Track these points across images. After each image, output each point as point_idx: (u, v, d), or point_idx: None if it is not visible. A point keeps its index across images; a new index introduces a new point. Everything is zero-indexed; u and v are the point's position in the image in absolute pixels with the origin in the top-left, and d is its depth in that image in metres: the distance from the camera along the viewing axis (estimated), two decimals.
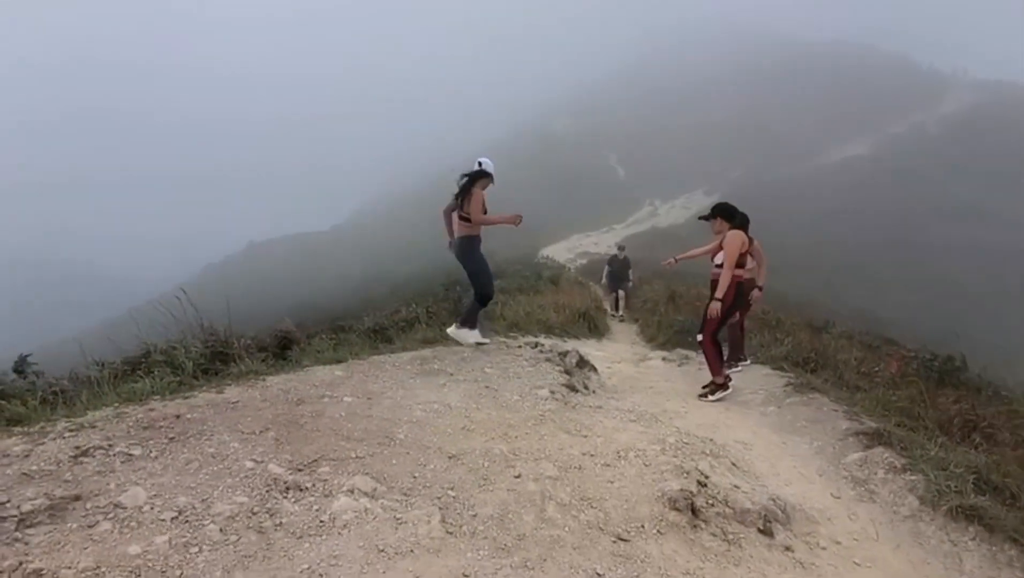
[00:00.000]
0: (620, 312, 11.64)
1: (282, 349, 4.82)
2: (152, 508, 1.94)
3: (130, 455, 2.27)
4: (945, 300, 29.38)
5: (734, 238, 4.63)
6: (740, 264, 4.72)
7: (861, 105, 64.06)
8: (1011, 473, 3.11)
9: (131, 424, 2.55)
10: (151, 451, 2.34)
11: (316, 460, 2.44)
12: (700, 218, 5.08)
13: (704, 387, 4.78)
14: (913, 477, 3.04)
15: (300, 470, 2.35)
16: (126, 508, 1.92)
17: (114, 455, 2.24)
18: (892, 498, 2.99)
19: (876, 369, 5.25)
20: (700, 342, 4.74)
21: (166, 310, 4.92)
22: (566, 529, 2.28)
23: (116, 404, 2.88)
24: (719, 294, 4.56)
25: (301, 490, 2.20)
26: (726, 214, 4.85)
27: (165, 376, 3.58)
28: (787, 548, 2.50)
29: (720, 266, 4.68)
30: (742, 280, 4.87)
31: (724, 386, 4.64)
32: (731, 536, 2.44)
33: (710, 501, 2.59)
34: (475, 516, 2.24)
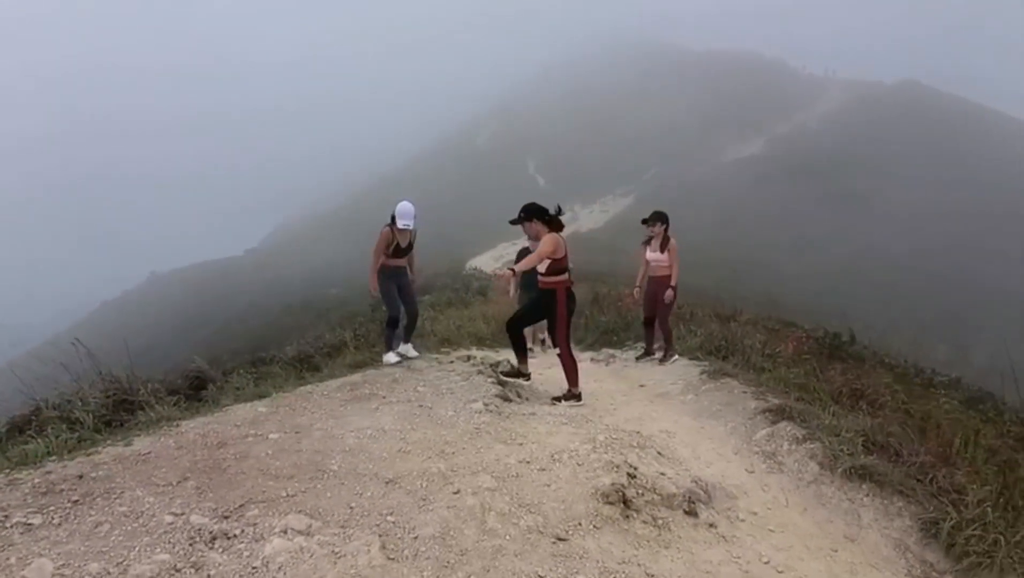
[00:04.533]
0: (541, 344, 7.63)
1: (196, 390, 4.55)
2: None
3: (29, 525, 2.08)
4: (836, 281, 32.61)
5: (549, 240, 4.27)
6: (559, 269, 4.32)
7: (751, 107, 69.86)
8: (893, 433, 3.52)
9: (27, 491, 2.33)
10: (53, 518, 2.15)
11: (243, 505, 2.35)
12: (511, 222, 4.55)
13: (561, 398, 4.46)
14: (812, 445, 3.38)
15: (226, 517, 2.25)
16: None
17: (11, 527, 2.04)
18: (797, 467, 3.31)
19: (777, 350, 5.79)
20: (559, 354, 4.45)
21: (56, 357, 4.51)
22: (507, 537, 2.34)
23: (7, 470, 2.61)
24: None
25: (229, 538, 2.11)
26: (541, 215, 4.40)
27: (61, 433, 3.27)
28: (711, 525, 2.70)
29: (545, 274, 4.37)
30: (570, 286, 4.48)
31: (579, 397, 4.44)
32: (660, 521, 2.61)
33: (640, 491, 2.75)
34: (416, 538, 2.25)
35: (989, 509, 2.70)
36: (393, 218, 5.17)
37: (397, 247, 5.15)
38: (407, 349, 5.44)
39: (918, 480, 3.04)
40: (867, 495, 3.02)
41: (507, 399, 4.14)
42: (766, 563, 2.48)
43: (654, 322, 6.15)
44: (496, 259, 32.47)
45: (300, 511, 2.32)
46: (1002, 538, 2.53)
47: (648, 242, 6.01)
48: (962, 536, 2.61)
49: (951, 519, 2.69)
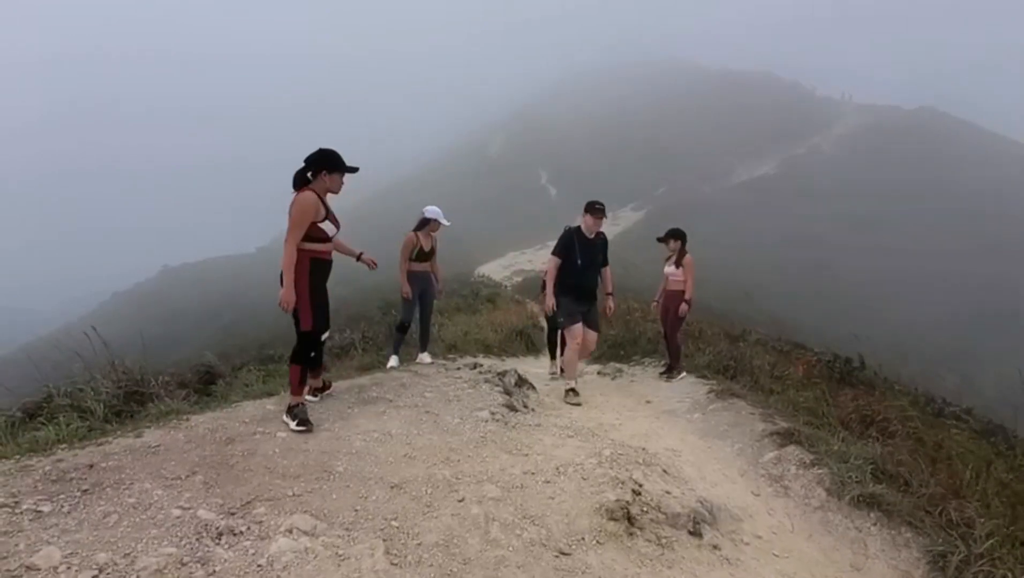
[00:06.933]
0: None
1: (205, 385, 4.58)
2: (69, 568, 1.81)
3: (39, 512, 2.10)
4: (846, 304, 32.32)
5: (300, 200, 3.32)
6: (316, 236, 3.36)
7: (766, 128, 69.85)
8: (903, 462, 3.47)
9: (38, 478, 2.36)
10: (63, 506, 2.17)
11: (250, 501, 2.36)
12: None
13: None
14: (820, 471, 3.35)
15: (233, 514, 2.26)
16: (40, 569, 1.78)
17: (21, 513, 2.07)
18: (803, 492, 3.28)
19: (787, 372, 5.75)
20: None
21: (68, 346, 4.55)
22: (510, 548, 2.33)
23: (17, 456, 2.64)
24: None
25: (235, 535, 2.12)
26: (311, 170, 3.44)
27: (72, 422, 3.31)
28: (714, 546, 2.68)
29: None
30: (321, 257, 3.46)
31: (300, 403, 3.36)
32: (664, 540, 2.59)
33: (644, 508, 2.73)
34: (420, 545, 2.25)
35: (998, 544, 2.65)
36: (420, 223, 5.34)
37: (420, 251, 5.30)
38: (423, 357, 5.53)
39: (927, 511, 3.00)
40: (875, 524, 2.98)
41: (514, 409, 4.14)
42: None
43: None
44: (505, 267, 32.49)
45: (306, 511, 2.33)
46: (1010, 574, 2.49)
47: (669, 258, 6.26)
48: (970, 571, 2.56)
49: (960, 553, 2.64)
